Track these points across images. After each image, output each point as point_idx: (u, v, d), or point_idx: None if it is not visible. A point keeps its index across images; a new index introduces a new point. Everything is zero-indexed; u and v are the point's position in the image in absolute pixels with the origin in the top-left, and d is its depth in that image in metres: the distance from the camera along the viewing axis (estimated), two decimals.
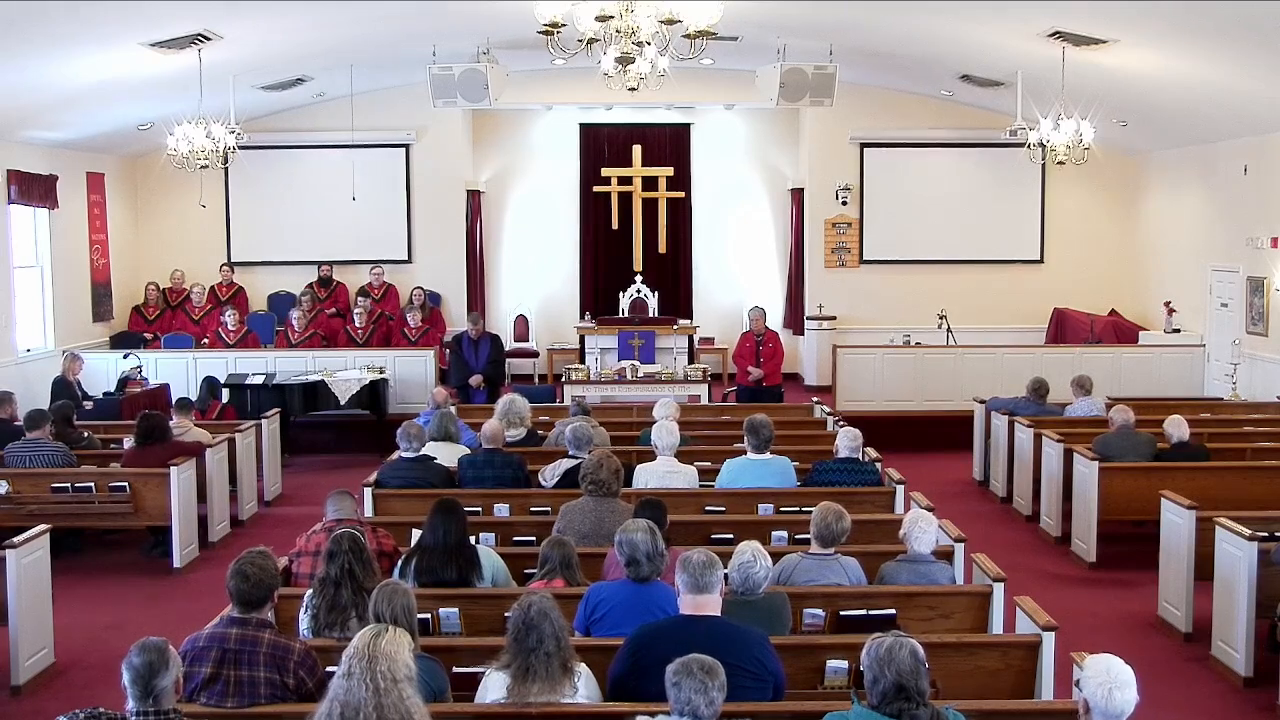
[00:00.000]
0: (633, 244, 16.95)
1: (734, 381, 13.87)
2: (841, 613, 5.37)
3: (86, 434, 10.00)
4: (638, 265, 16.76)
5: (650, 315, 15.55)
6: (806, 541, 5.81)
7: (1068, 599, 7.86)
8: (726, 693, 3.66)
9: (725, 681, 3.64)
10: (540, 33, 8.58)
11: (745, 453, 7.74)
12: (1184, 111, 12.64)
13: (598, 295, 16.81)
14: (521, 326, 16.71)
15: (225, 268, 15.84)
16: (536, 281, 17.09)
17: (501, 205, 17.14)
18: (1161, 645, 7.22)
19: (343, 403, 12.68)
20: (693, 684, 3.59)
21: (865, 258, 16.36)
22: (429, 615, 5.30)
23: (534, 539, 6.67)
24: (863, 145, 16.21)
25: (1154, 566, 7.68)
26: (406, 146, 16.13)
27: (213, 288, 15.61)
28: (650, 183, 16.95)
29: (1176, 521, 7.37)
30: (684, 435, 7.99)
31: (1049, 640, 4.99)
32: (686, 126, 16.99)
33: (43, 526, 6.96)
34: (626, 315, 15.52)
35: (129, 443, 9.37)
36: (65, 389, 11.53)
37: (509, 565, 5.93)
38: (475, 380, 12.33)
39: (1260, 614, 6.49)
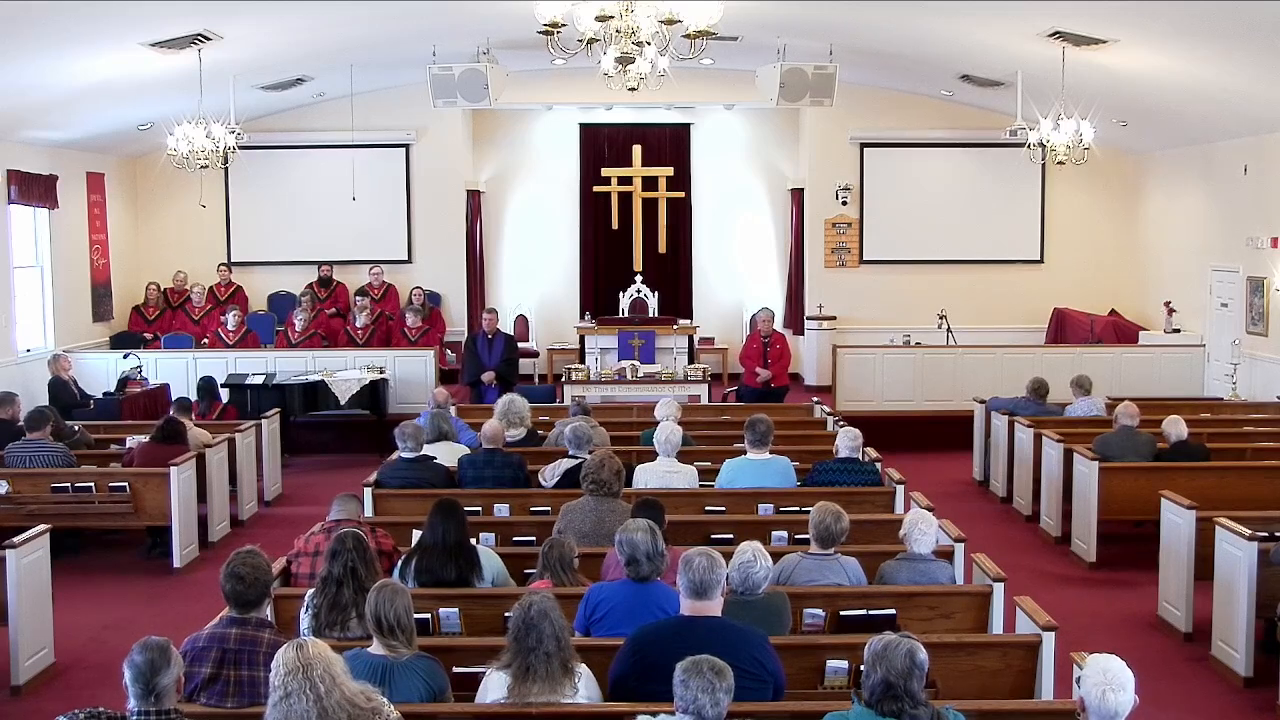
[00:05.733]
0: (633, 244, 16.94)
1: (735, 382, 13.86)
2: (841, 613, 5.37)
3: (78, 428, 9.99)
4: (638, 265, 16.74)
5: (650, 315, 15.53)
6: (806, 541, 5.81)
7: (1068, 599, 7.86)
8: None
9: (733, 685, 3.64)
10: (540, 33, 8.57)
11: (745, 452, 7.74)
12: (1184, 111, 12.64)
13: (598, 295, 16.81)
14: (521, 326, 16.70)
15: (224, 267, 15.85)
16: (536, 281, 17.08)
17: (501, 205, 17.14)
18: (1161, 645, 7.22)
19: (343, 403, 12.68)
20: (700, 683, 3.59)
21: (865, 258, 16.36)
22: (429, 615, 5.30)
23: (534, 539, 6.67)
24: (863, 145, 16.21)
25: (1154, 566, 7.68)
26: (406, 146, 16.14)
27: (212, 288, 15.61)
28: (650, 183, 16.93)
29: (1176, 521, 7.37)
30: (684, 435, 7.98)
31: (1049, 640, 4.99)
32: (686, 126, 16.98)
33: (43, 526, 6.96)
34: (626, 315, 15.51)
35: (133, 441, 9.39)
36: (62, 389, 11.54)
37: (509, 565, 5.93)
38: (488, 377, 12.30)
39: (1260, 614, 6.49)
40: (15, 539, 6.61)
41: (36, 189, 12.98)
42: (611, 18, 8.52)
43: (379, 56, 13.51)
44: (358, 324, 14.50)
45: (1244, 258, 12.79)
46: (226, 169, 14.00)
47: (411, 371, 13.42)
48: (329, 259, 15.93)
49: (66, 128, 12.96)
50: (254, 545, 4.68)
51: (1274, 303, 12.24)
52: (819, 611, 5.38)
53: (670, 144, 17.00)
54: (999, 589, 5.63)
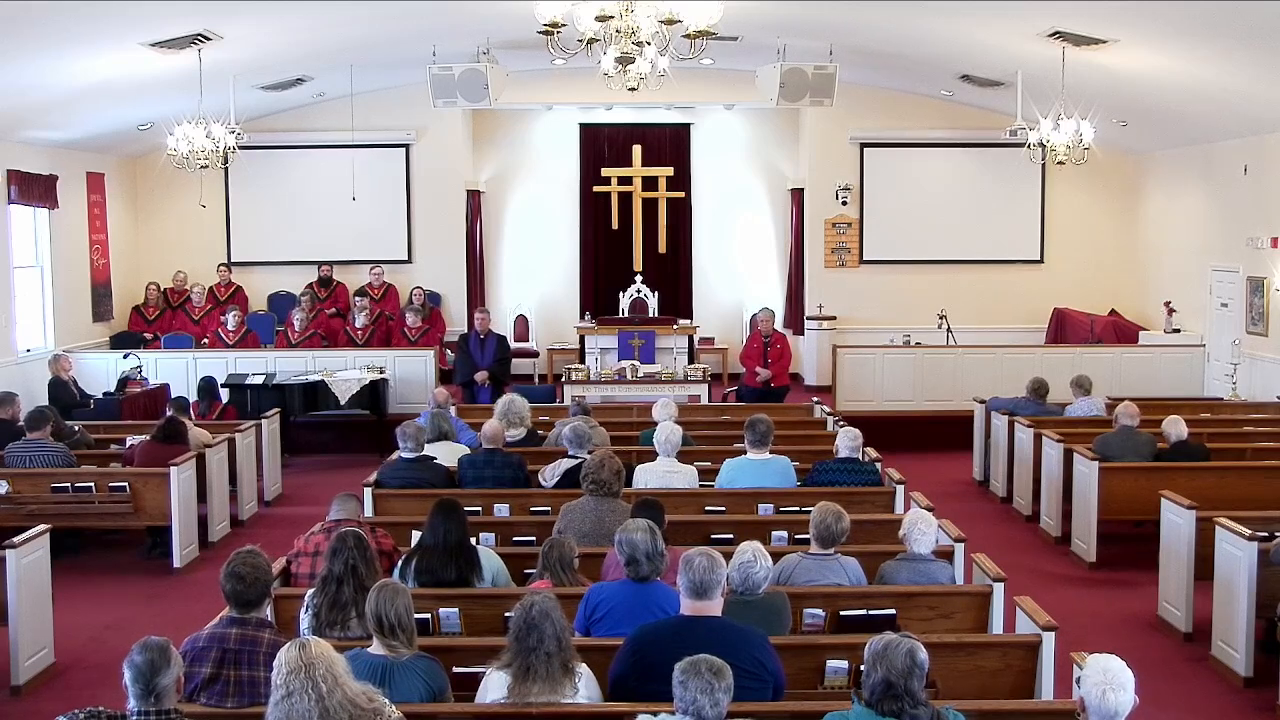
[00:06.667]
0: (633, 244, 16.95)
1: (735, 382, 13.86)
2: (841, 613, 5.37)
3: (78, 428, 9.99)
4: (638, 265, 16.75)
5: (650, 315, 15.54)
6: (806, 541, 5.81)
7: (1068, 599, 7.87)
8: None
9: (732, 684, 3.64)
10: (540, 33, 8.58)
11: (745, 452, 7.74)
12: (1184, 111, 12.64)
13: (598, 295, 16.81)
14: (521, 326, 16.70)
15: (223, 268, 15.85)
16: (536, 281, 17.08)
17: (501, 205, 17.14)
18: (1161, 645, 7.22)
19: (343, 403, 12.67)
20: (699, 684, 3.59)
21: (865, 258, 16.36)
22: (429, 615, 5.30)
23: (534, 539, 6.68)
24: (863, 145, 16.22)
25: (1154, 566, 7.68)
26: (406, 146, 16.14)
27: (212, 288, 15.61)
28: (650, 183, 16.94)
29: (1176, 521, 7.37)
30: (684, 435, 7.98)
31: (1049, 640, 4.99)
32: (686, 126, 16.98)
33: (43, 526, 6.96)
34: (626, 315, 15.52)
35: (133, 440, 9.39)
36: (62, 389, 11.53)
37: (509, 565, 5.93)
38: (481, 377, 12.30)
39: (1260, 614, 6.50)
40: (15, 539, 6.61)
41: (36, 189, 12.98)
42: (611, 18, 8.52)
43: (379, 56, 13.51)
44: (357, 324, 14.50)
45: (1244, 258, 12.79)
46: (226, 169, 14.00)
47: (411, 371, 13.42)
48: (329, 259, 15.93)
49: (66, 128, 12.95)
50: (254, 545, 4.68)
51: (1274, 303, 12.24)
52: (819, 611, 5.38)
53: (670, 144, 17.00)
54: (999, 589, 5.63)
